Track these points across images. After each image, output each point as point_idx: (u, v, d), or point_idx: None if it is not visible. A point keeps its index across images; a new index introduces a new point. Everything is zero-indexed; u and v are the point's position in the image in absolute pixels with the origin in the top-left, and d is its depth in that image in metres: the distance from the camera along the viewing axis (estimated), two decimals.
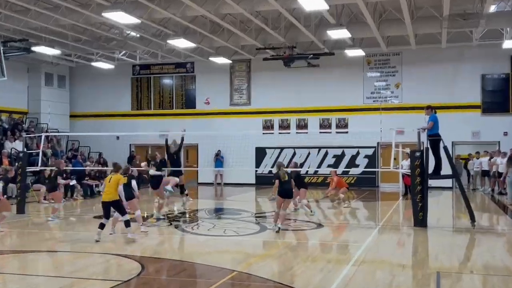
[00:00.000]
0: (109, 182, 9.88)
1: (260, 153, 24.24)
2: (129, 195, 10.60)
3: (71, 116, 27.02)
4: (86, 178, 19.41)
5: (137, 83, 26.55)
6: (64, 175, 17.99)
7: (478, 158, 21.19)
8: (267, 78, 24.44)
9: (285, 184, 11.01)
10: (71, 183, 18.34)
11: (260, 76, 24.67)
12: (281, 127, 24.36)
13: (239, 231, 11.23)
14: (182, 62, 25.10)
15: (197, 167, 24.11)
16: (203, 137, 22.93)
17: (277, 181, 11.04)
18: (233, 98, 25.22)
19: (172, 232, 11.31)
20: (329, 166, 22.69)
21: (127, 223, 9.95)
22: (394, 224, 12.75)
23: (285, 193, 11.05)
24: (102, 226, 9.85)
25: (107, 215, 9.98)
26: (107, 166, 22.81)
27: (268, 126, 24.56)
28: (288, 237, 10.70)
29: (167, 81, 26.30)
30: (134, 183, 10.99)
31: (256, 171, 23.98)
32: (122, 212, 9.93)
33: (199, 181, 24.85)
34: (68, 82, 26.96)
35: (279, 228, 10.96)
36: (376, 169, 22.09)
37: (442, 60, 22.26)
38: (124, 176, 10.26)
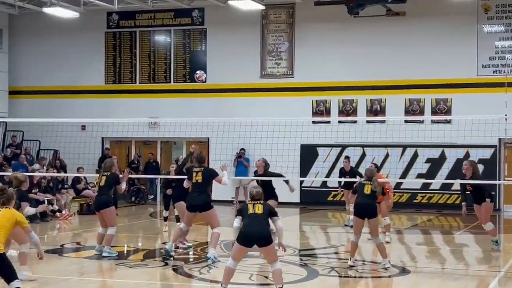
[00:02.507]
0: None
1: (308, 153, 24.21)
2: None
3: (10, 92, 27.44)
4: (34, 191, 19.70)
5: (115, 42, 26.80)
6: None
7: None
8: (321, 34, 24.35)
9: (367, 197, 12.00)
10: None
11: (310, 30, 24.57)
12: (343, 112, 24.25)
13: None
14: (185, 8, 25.22)
15: None
16: (217, 127, 23.00)
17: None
18: (266, 67, 25.22)
19: (167, 277, 11.31)
20: (420, 176, 22.44)
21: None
22: None
23: (362, 211, 12.00)
24: None
25: None
26: (65, 171, 23.17)
27: (321, 110, 24.49)
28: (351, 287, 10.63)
29: (161, 38, 26.48)
30: None
31: (302, 182, 23.93)
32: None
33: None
34: (6, 40, 27.38)
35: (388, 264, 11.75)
36: (497, 182, 21.81)
37: None
38: None
